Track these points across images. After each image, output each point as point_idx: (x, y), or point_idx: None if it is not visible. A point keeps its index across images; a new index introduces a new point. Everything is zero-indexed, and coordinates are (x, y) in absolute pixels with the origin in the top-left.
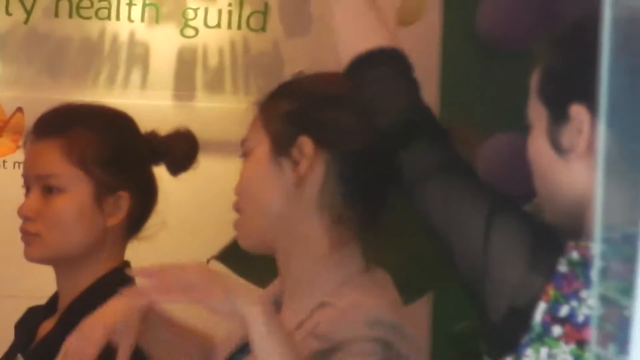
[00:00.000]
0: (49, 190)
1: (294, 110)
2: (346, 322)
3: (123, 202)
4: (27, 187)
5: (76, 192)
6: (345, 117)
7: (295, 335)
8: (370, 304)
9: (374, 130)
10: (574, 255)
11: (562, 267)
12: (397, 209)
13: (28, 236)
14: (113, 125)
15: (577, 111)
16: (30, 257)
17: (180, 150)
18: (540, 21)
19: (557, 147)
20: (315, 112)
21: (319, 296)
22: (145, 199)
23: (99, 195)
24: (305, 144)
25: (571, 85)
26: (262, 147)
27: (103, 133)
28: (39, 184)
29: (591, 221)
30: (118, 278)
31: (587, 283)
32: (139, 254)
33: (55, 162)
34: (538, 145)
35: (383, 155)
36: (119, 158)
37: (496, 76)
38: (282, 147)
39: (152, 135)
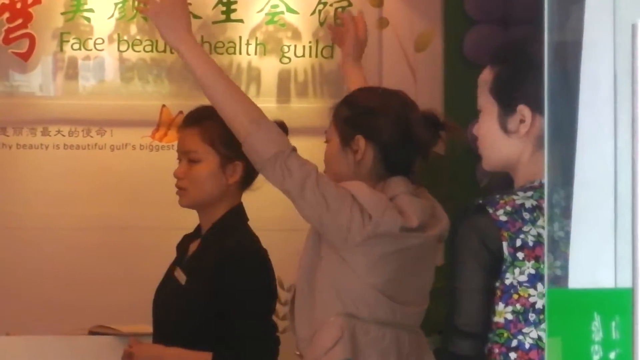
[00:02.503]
0: (191, 161)
1: (351, 117)
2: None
3: (238, 168)
4: (179, 159)
5: (208, 162)
6: (381, 122)
7: None
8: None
9: (398, 129)
10: (507, 207)
11: (502, 217)
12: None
13: (179, 190)
14: None
15: (521, 109)
16: (180, 203)
17: None
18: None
19: (504, 129)
20: (364, 119)
21: None
22: (252, 166)
23: (222, 164)
24: (360, 140)
25: (517, 88)
26: (335, 140)
27: (223, 123)
28: (185, 157)
29: (516, 176)
30: (235, 214)
31: (523, 221)
32: (249, 198)
33: (195, 142)
34: (488, 124)
35: (403, 144)
36: (234, 139)
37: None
38: (346, 142)
39: None
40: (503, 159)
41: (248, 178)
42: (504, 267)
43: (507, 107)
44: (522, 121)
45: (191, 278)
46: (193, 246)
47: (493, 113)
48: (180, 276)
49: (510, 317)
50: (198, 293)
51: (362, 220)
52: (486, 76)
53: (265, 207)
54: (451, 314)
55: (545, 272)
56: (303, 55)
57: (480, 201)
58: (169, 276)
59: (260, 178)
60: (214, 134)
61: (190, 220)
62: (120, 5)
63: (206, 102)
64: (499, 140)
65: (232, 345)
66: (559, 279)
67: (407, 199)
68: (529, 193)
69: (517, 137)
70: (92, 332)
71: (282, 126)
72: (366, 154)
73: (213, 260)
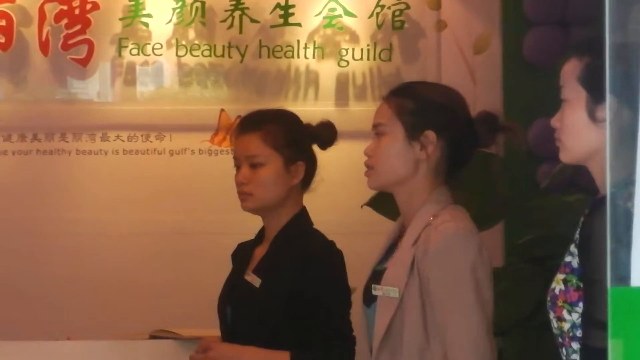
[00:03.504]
0: (254, 165)
1: (420, 110)
2: (439, 232)
3: (300, 169)
4: (237, 165)
5: (272, 164)
6: (452, 118)
7: (412, 249)
8: (455, 224)
9: (466, 126)
10: None
11: None
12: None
13: (243, 195)
14: (290, 121)
15: (611, 99)
16: (245, 208)
17: (325, 133)
18: (561, 47)
19: (593, 118)
20: (435, 113)
21: (426, 220)
22: (311, 166)
23: (286, 166)
24: (431, 135)
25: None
26: (398, 131)
27: (285, 126)
28: (246, 161)
29: (596, 168)
30: (302, 217)
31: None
32: (309, 201)
33: (257, 146)
34: (575, 114)
35: (468, 141)
36: (295, 141)
37: (535, 86)
38: (413, 135)
39: (309, 125)
40: (588, 149)
41: (309, 178)
42: None
43: (597, 95)
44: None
45: (267, 280)
46: (260, 251)
47: (581, 102)
48: (254, 279)
49: None
50: (276, 295)
51: None
52: (572, 67)
53: (324, 211)
54: (591, 308)
55: (608, 271)
56: (361, 59)
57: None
58: (237, 281)
59: (317, 179)
60: (276, 136)
61: (248, 225)
62: (178, 10)
63: (270, 106)
64: (586, 130)
65: (317, 346)
66: (623, 278)
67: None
68: None
69: (602, 125)
70: (152, 337)
71: (330, 127)
72: (436, 149)
73: (289, 262)
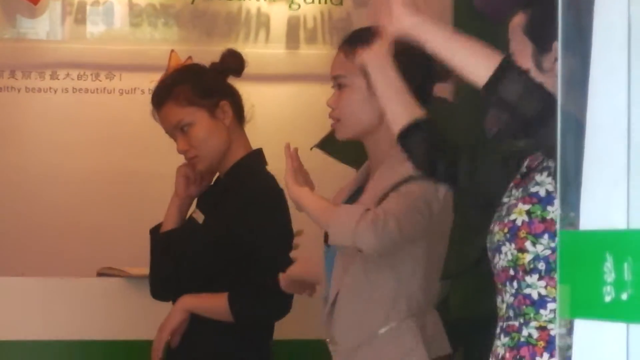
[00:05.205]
0: (184, 129)
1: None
2: (397, 172)
3: (226, 107)
4: (172, 137)
5: (199, 120)
6: (409, 63)
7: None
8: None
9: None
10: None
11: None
12: None
13: (192, 161)
14: (191, 73)
15: (555, 46)
16: (199, 172)
17: (232, 61)
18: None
19: (539, 67)
20: (395, 58)
21: (392, 180)
22: (235, 99)
23: (211, 113)
24: None
25: (550, 27)
26: (359, 82)
27: (188, 80)
28: (177, 129)
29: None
30: (251, 158)
31: None
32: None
33: (177, 112)
34: (523, 65)
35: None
36: (205, 86)
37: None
38: None
39: (213, 63)
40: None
41: (239, 111)
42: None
43: (542, 45)
44: (556, 59)
45: (208, 217)
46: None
47: (527, 53)
48: (199, 216)
49: None
50: (214, 232)
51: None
52: (518, 20)
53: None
54: None
55: (558, 217)
56: (312, 2)
57: None
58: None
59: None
60: (187, 94)
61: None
62: None
63: (219, 47)
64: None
65: (250, 285)
66: (572, 222)
67: None
68: None
69: (552, 75)
70: (100, 274)
71: (233, 54)
72: None
73: (230, 201)
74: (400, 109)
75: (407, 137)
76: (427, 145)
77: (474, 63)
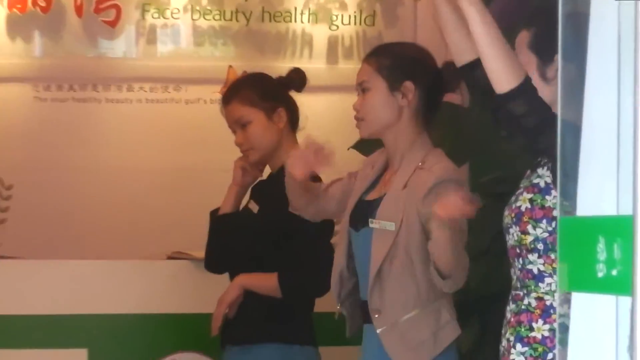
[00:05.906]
0: (244, 125)
1: (396, 64)
2: (433, 174)
3: (282, 114)
4: (233, 131)
5: (257, 120)
6: (425, 68)
7: (403, 191)
8: (445, 165)
9: (437, 77)
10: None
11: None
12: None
13: (246, 153)
14: (257, 79)
15: (556, 58)
16: (250, 163)
17: (295, 77)
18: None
19: (543, 77)
20: (411, 65)
21: (415, 165)
22: (292, 109)
23: (268, 116)
24: (409, 84)
25: (552, 41)
26: (380, 85)
27: (254, 85)
28: (237, 125)
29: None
30: None
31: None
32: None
33: (239, 109)
34: (530, 74)
35: (438, 87)
36: (267, 93)
37: None
38: (395, 86)
39: (280, 77)
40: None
41: (294, 119)
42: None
43: (545, 58)
44: (557, 70)
45: (263, 207)
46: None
47: (532, 66)
48: (254, 206)
49: (546, 334)
50: (270, 220)
51: None
52: (522, 37)
53: None
54: None
55: (558, 205)
56: (349, 23)
57: None
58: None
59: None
60: (250, 96)
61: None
62: None
63: (271, 63)
64: (540, 88)
65: (297, 266)
66: (570, 209)
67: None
68: None
69: (554, 83)
70: (170, 257)
71: (298, 72)
72: (414, 97)
73: (284, 194)
74: (507, 68)
75: (515, 98)
76: (529, 108)
77: (502, 69)
